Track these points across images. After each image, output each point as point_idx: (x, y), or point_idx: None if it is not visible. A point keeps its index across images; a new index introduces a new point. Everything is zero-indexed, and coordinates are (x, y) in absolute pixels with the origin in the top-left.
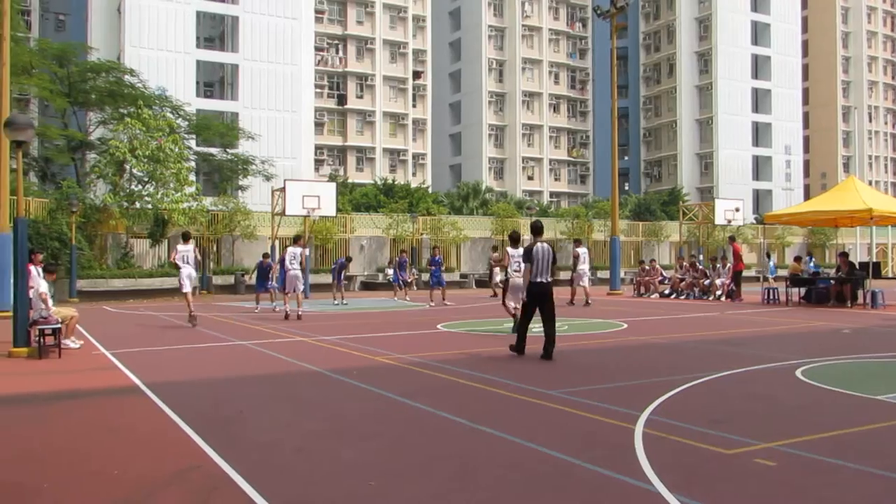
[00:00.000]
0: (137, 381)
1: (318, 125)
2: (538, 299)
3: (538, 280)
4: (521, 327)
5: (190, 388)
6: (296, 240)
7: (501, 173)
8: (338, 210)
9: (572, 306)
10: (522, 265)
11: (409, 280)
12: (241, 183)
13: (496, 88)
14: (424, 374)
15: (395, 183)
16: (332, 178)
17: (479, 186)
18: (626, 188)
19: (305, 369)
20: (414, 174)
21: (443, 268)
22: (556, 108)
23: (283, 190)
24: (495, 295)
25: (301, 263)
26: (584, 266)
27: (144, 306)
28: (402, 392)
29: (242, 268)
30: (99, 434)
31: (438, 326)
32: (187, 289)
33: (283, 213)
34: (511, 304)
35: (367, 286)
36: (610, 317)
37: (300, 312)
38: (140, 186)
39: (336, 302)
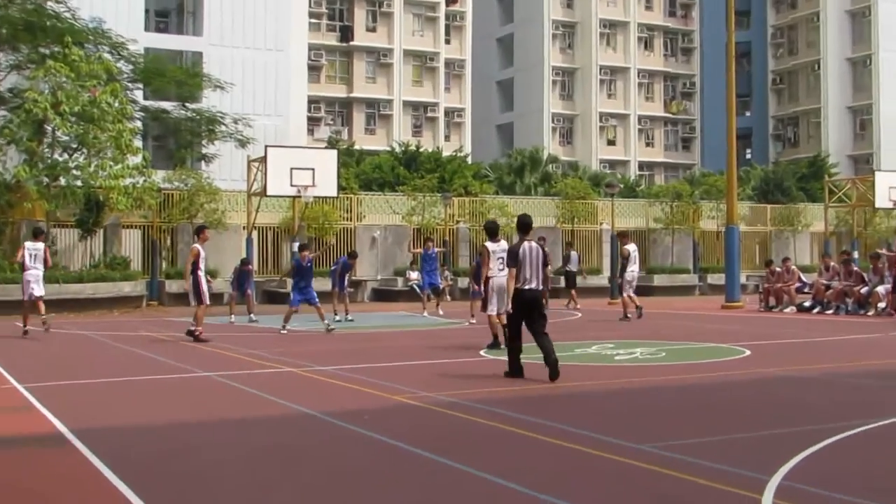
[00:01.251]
0: (62, 427)
1: (314, 69)
2: (526, 309)
3: (527, 287)
4: (512, 346)
5: (134, 437)
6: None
7: (570, 136)
8: (340, 188)
9: (627, 320)
10: (507, 268)
11: (442, 287)
12: (205, 151)
13: (563, 16)
14: (462, 419)
15: (421, 150)
16: (331, 143)
17: (539, 155)
18: (749, 156)
19: (294, 412)
20: (447, 137)
21: (442, 267)
22: (648, 44)
23: (263, 160)
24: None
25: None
26: (634, 268)
27: (72, 321)
28: (432, 446)
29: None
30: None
31: (481, 353)
32: (40, 292)
33: (263, 194)
34: (494, 311)
35: (382, 295)
36: (726, 339)
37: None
38: (66, 156)
39: (338, 318)
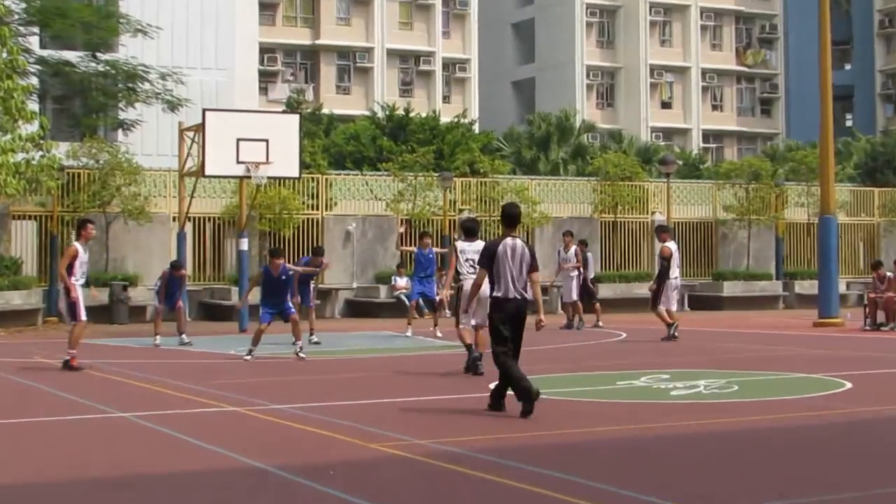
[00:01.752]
0: None
1: (267, 8)
2: (510, 319)
3: (510, 296)
4: (503, 359)
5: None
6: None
7: (610, 96)
8: (303, 166)
9: (674, 340)
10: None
11: (439, 298)
12: (123, 116)
13: None
14: (471, 477)
15: (411, 115)
16: (292, 106)
17: (570, 121)
18: (849, 123)
19: (237, 466)
20: (446, 98)
21: (439, 273)
22: None
23: (200, 129)
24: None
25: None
26: (676, 273)
27: None
28: None
29: (124, 275)
30: None
31: (492, 386)
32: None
33: (200, 174)
34: (469, 324)
35: (358, 309)
36: (819, 368)
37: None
38: None
39: (304, 343)
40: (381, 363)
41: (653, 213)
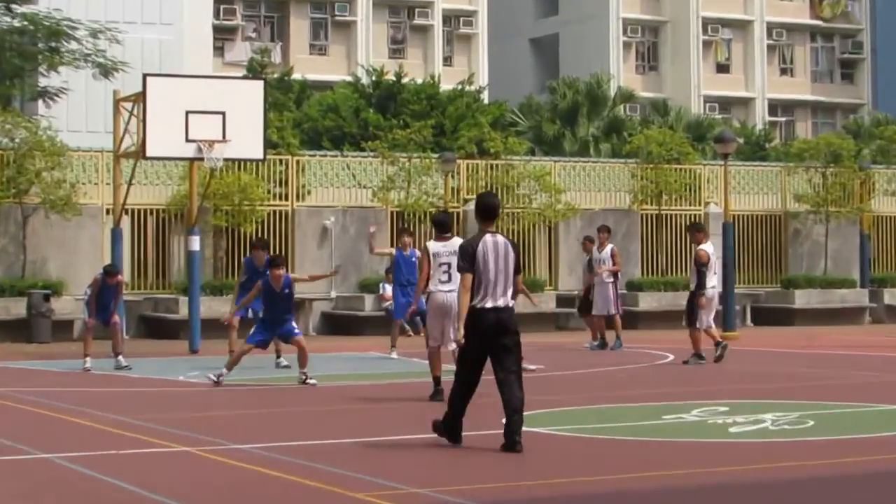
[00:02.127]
0: None
1: None
2: (489, 338)
3: (488, 305)
4: (458, 389)
5: None
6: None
7: (653, 56)
8: (270, 145)
9: (701, 362)
10: (458, 275)
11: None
12: (44, 84)
13: None
14: None
15: (405, 81)
16: (254, 69)
17: (603, 88)
18: None
19: None
20: (448, 60)
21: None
22: None
23: (140, 99)
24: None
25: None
26: (713, 282)
27: None
28: None
29: (46, 282)
30: None
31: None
32: None
33: (140, 155)
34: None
35: (338, 324)
36: None
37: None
38: None
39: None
40: (365, 391)
41: (706, 203)
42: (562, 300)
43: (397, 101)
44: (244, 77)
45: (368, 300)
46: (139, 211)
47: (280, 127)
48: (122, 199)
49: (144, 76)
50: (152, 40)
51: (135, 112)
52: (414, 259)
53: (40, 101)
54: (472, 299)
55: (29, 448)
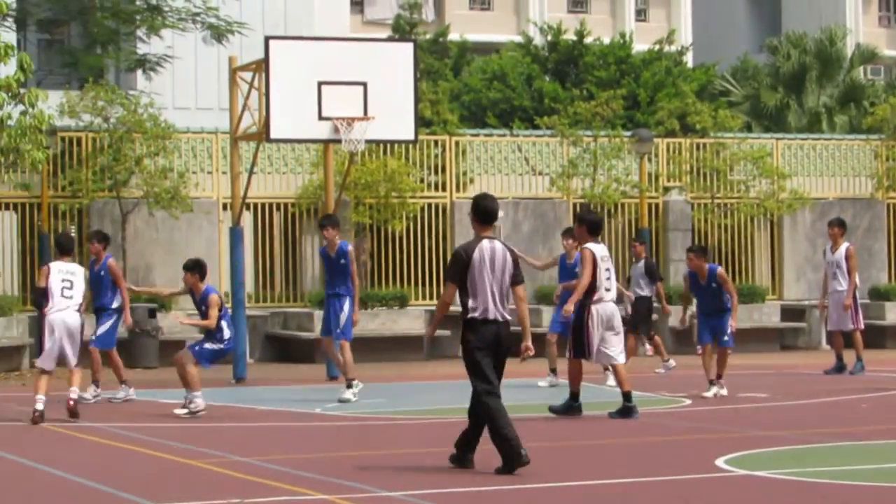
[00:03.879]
0: None
1: None
2: (488, 351)
3: (489, 317)
4: (491, 410)
5: None
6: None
7: None
8: (424, 123)
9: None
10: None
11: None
12: (143, 51)
13: None
14: None
15: (588, 42)
16: (401, 29)
17: (836, 46)
18: None
19: None
20: (641, 14)
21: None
22: None
23: (261, 68)
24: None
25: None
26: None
27: None
28: None
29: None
30: None
31: (720, 462)
32: (68, 358)
33: (262, 136)
34: None
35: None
36: None
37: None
38: None
39: None
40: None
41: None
42: (788, 312)
43: (579, 67)
44: (389, 39)
45: (547, 313)
46: (263, 205)
47: (435, 100)
48: (243, 191)
49: (267, 39)
50: (275, 6)
51: (255, 84)
52: (577, 269)
53: (139, 73)
54: (466, 311)
55: (140, 499)
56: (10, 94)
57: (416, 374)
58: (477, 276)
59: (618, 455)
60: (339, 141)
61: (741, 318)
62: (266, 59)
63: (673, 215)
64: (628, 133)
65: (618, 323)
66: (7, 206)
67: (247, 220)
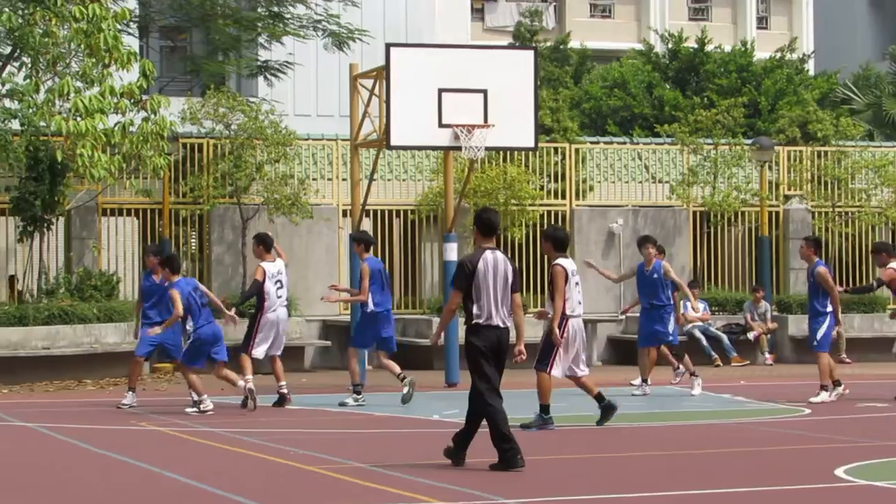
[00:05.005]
0: None
1: None
2: (490, 353)
3: (493, 322)
4: (489, 409)
5: None
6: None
7: None
8: (544, 131)
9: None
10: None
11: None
12: (264, 58)
13: None
14: None
15: (709, 50)
16: (522, 36)
17: None
18: None
19: None
20: (762, 22)
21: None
22: None
23: (382, 75)
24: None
25: None
26: None
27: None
28: None
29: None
30: None
31: (839, 472)
32: (273, 350)
33: (383, 144)
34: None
35: (627, 350)
36: None
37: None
38: None
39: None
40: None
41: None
42: None
43: (700, 75)
44: (510, 46)
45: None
46: (382, 212)
47: (555, 108)
48: (362, 197)
49: (388, 46)
50: (396, 3)
51: (376, 91)
52: (655, 276)
53: (260, 79)
54: (471, 317)
55: None
56: (132, 101)
57: (532, 381)
58: (481, 284)
59: (736, 464)
60: (459, 148)
61: (862, 327)
62: (387, 66)
63: (793, 224)
64: (749, 141)
65: (584, 336)
66: (129, 212)
67: (366, 226)
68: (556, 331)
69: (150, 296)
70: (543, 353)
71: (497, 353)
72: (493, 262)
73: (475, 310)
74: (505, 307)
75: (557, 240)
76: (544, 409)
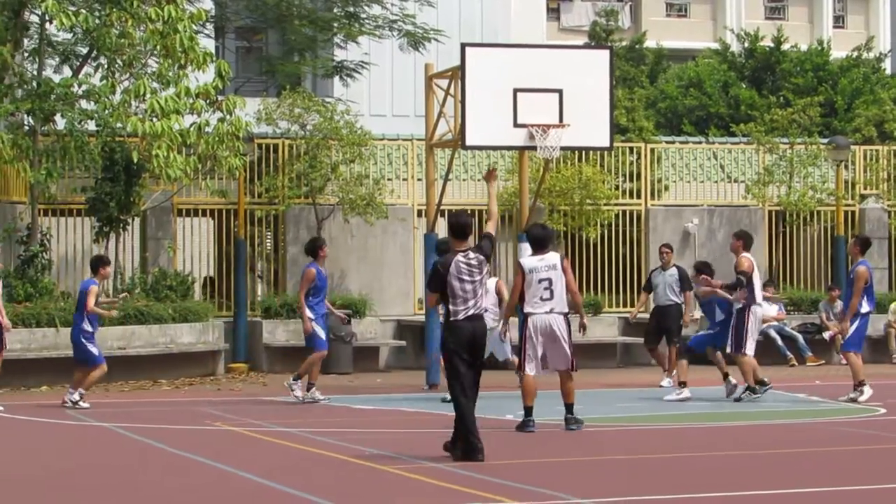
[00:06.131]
0: None
1: None
2: (465, 350)
3: (469, 314)
4: (459, 406)
5: None
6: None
7: None
8: (619, 130)
9: None
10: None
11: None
12: (339, 59)
13: None
14: None
15: (785, 49)
16: (598, 36)
17: None
18: None
19: None
20: (839, 21)
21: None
22: None
23: (457, 75)
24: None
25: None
26: None
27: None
28: None
29: (346, 300)
30: None
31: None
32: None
33: (458, 144)
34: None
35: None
36: None
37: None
38: (67, 72)
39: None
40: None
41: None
42: None
43: (776, 74)
44: (585, 46)
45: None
46: (459, 207)
47: (630, 108)
48: (438, 197)
49: (463, 46)
50: (472, 3)
51: (451, 91)
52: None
53: (336, 80)
54: (448, 314)
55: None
56: (208, 101)
57: (609, 381)
58: (453, 284)
59: (812, 464)
60: (534, 148)
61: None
62: (462, 66)
63: (870, 223)
64: (825, 140)
65: (559, 332)
66: (204, 213)
67: (441, 226)
68: (501, 327)
69: (322, 290)
70: (518, 355)
71: (472, 344)
72: (467, 265)
73: (451, 308)
74: (478, 300)
75: (532, 238)
76: (528, 410)
